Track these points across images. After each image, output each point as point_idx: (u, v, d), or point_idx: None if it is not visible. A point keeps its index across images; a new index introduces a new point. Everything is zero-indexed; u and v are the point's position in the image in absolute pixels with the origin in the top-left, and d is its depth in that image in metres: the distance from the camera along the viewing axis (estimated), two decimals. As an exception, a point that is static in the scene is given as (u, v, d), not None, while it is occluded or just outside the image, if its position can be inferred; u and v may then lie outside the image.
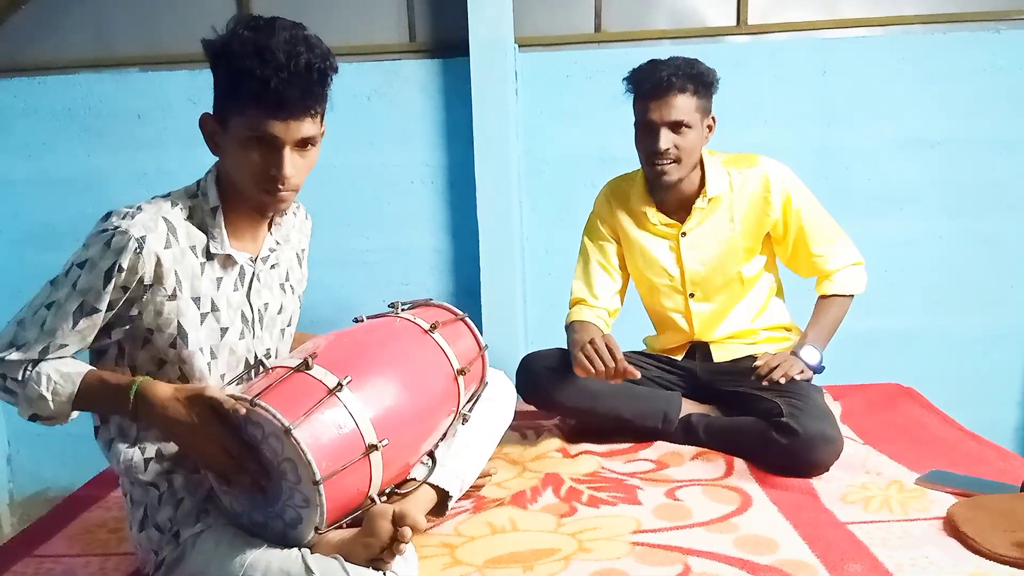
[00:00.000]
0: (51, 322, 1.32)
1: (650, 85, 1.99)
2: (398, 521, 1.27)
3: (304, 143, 1.35)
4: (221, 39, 1.31)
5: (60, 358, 1.34)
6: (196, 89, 2.93)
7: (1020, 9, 2.87)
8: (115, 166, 3.01)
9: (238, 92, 1.29)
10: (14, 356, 1.32)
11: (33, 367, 1.32)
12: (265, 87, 1.26)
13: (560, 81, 2.94)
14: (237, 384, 1.44)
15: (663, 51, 2.08)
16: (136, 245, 1.30)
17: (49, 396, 1.31)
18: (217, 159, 1.43)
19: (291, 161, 1.33)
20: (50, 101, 3.01)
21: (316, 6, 2.94)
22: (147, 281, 1.33)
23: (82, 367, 1.35)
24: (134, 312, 1.35)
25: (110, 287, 1.30)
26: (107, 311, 1.33)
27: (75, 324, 1.32)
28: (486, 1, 2.78)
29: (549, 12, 2.97)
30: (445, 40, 2.95)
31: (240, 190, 1.39)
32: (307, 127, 1.33)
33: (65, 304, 1.31)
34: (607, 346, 1.91)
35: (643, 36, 2.94)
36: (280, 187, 1.35)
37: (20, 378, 1.32)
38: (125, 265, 1.30)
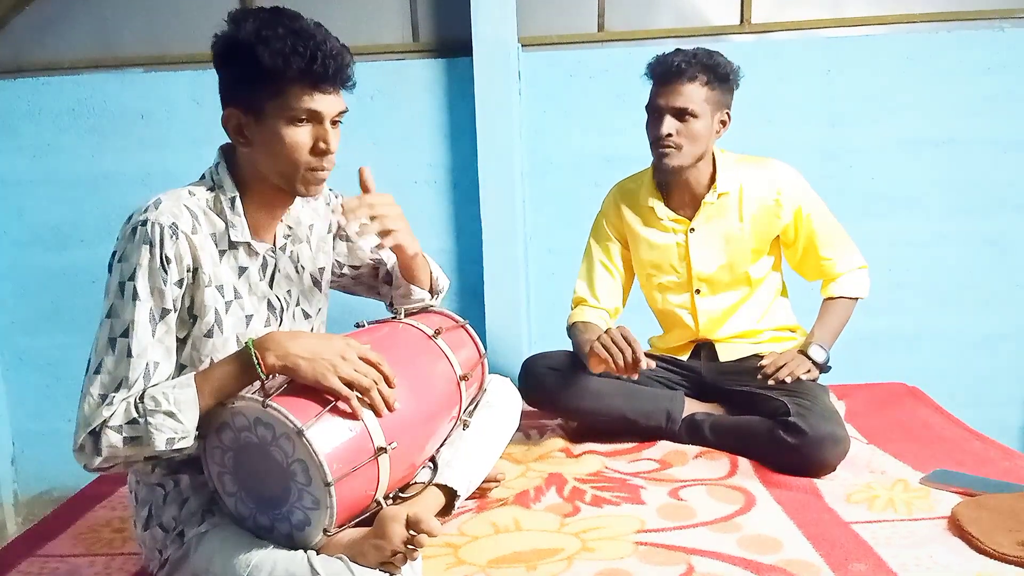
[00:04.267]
0: (135, 344, 1.28)
1: (661, 70, 2.00)
2: (412, 526, 1.27)
3: (336, 120, 1.40)
4: (240, 32, 1.32)
5: (158, 384, 1.30)
6: (200, 89, 2.93)
7: (1024, 7, 2.86)
8: (119, 166, 3.01)
9: (278, 74, 1.31)
10: (120, 397, 1.27)
11: (142, 398, 1.27)
12: (312, 62, 1.31)
13: (563, 81, 2.94)
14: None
15: (667, 50, 2.07)
16: (171, 232, 1.31)
17: (175, 408, 1.26)
18: (219, 153, 1.45)
19: (334, 135, 1.39)
20: (54, 102, 3.01)
21: (319, 5, 2.93)
22: (192, 265, 1.34)
23: (184, 376, 1.32)
24: (188, 304, 1.36)
25: (169, 282, 1.31)
26: (174, 311, 1.32)
27: (154, 333, 1.30)
28: (489, 1, 2.78)
29: (552, 12, 2.96)
30: (448, 40, 2.95)
31: (276, 175, 1.39)
32: (343, 101, 1.40)
33: (137, 318, 1.29)
34: (623, 336, 1.89)
35: (646, 35, 2.93)
36: (325, 163, 1.39)
37: (139, 412, 1.26)
38: (171, 255, 1.30)
